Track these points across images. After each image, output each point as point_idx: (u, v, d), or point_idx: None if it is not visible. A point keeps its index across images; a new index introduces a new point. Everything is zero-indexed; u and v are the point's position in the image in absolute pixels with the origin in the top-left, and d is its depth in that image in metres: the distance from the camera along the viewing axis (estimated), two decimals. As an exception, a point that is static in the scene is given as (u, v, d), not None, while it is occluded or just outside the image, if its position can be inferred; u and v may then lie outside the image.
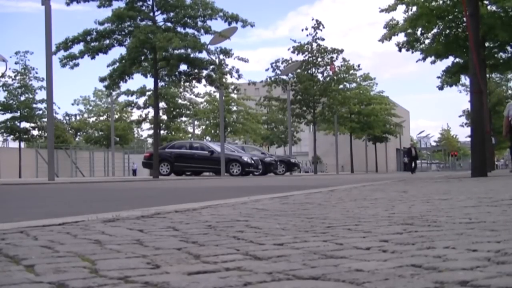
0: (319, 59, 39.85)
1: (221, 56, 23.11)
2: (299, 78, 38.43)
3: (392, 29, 22.35)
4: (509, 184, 7.75)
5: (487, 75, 28.88)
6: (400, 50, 22.85)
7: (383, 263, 1.55)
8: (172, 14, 22.71)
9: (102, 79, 22.75)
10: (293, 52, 39.27)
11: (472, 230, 2.28)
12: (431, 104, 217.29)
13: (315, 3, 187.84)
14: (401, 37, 22.80)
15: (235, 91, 35.30)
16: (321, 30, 39.27)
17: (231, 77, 24.36)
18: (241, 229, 2.51)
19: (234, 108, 48.69)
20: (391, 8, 21.64)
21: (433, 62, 23.43)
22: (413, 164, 33.86)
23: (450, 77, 25.26)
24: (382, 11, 21.90)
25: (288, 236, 2.21)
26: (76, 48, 21.35)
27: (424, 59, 23.28)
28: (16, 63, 34.22)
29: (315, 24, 39.09)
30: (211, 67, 23.43)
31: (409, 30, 22.23)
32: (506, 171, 22.91)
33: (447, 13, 21.58)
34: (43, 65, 17.79)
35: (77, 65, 21.14)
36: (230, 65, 23.81)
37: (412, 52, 23.22)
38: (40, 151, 35.28)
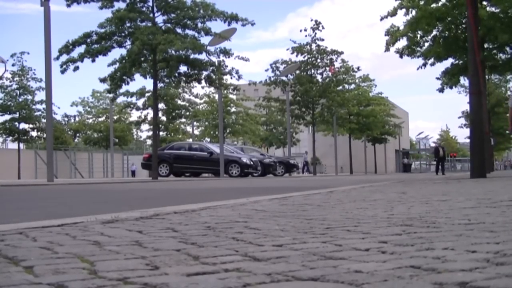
0: (318, 60, 39.84)
1: (221, 57, 23.10)
2: (298, 80, 38.41)
3: (393, 35, 22.32)
4: (508, 186, 7.76)
5: (486, 76, 28.86)
6: (401, 57, 22.78)
7: (382, 264, 1.55)
8: (172, 15, 22.71)
9: (102, 80, 22.79)
10: (292, 53, 39.25)
11: (471, 231, 2.28)
12: (430, 105, 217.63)
13: (314, 4, 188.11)
14: (401, 43, 22.75)
15: (234, 92, 35.29)
16: (321, 31, 39.22)
17: (231, 77, 24.37)
18: (240, 230, 2.51)
19: (233, 109, 48.67)
20: (392, 13, 21.64)
21: (432, 64, 23.43)
22: (440, 165, 31.64)
23: (449, 79, 25.26)
24: (383, 18, 21.89)
25: (287, 237, 2.21)
26: (77, 51, 21.35)
27: (424, 65, 23.23)
28: (13, 64, 34.14)
29: (314, 25, 39.05)
30: (211, 68, 23.44)
31: (410, 34, 22.20)
32: (505, 172, 22.86)
33: (446, 15, 21.59)
34: (42, 66, 17.78)
35: (77, 68, 21.15)
36: (230, 66, 23.81)
37: (412, 58, 23.17)
38: (39, 152, 35.26)
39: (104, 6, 21.90)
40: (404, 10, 21.48)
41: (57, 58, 20.60)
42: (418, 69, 23.70)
